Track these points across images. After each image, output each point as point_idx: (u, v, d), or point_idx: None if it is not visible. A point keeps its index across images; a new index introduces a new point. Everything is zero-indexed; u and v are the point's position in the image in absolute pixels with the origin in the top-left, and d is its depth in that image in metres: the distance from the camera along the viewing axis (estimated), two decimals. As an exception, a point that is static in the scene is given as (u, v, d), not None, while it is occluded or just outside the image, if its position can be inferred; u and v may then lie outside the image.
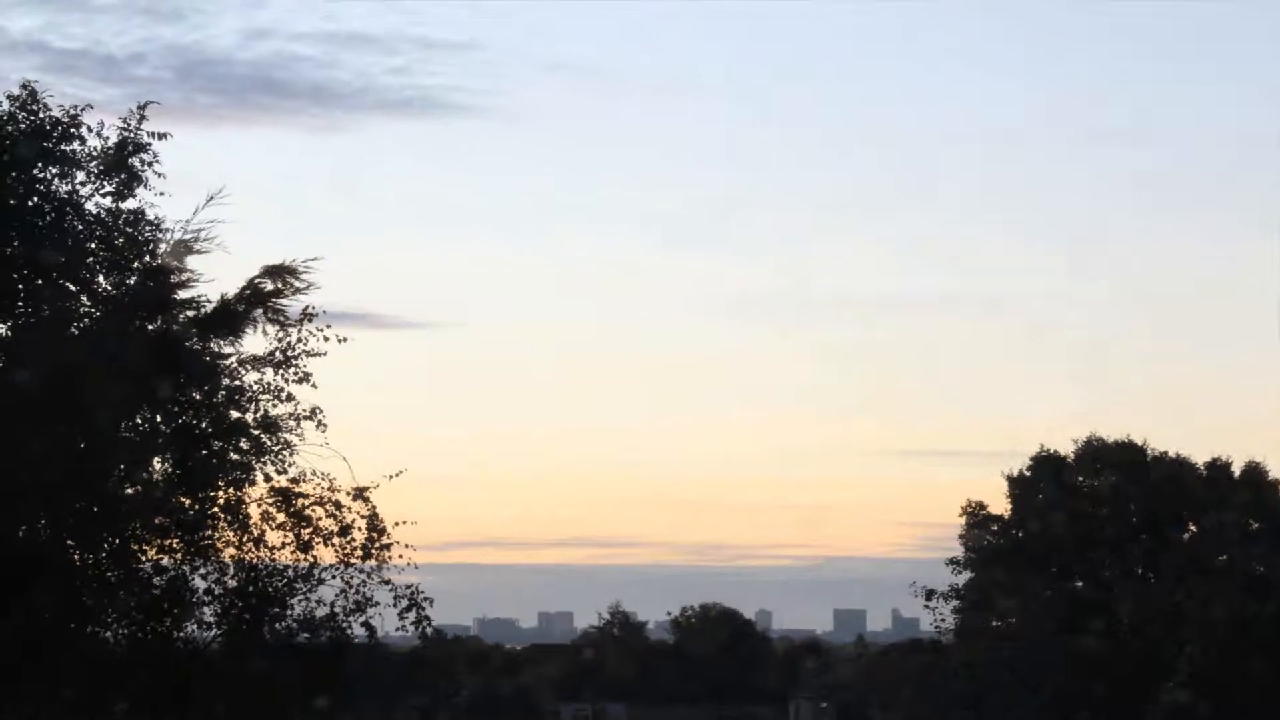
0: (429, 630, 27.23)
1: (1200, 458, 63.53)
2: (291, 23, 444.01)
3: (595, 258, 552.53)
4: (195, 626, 26.63)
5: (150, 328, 26.13)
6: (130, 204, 26.05)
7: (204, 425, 26.51)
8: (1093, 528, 61.35)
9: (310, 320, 26.78)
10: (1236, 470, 62.95)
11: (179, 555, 26.34)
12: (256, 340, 26.87)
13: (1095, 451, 63.30)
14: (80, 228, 25.79)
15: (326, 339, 26.90)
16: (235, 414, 26.64)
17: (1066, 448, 63.93)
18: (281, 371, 26.78)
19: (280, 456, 26.64)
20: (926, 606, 59.02)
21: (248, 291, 26.79)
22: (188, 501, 26.24)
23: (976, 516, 63.23)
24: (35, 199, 25.60)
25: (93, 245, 25.89)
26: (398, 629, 27.30)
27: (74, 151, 25.74)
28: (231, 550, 26.62)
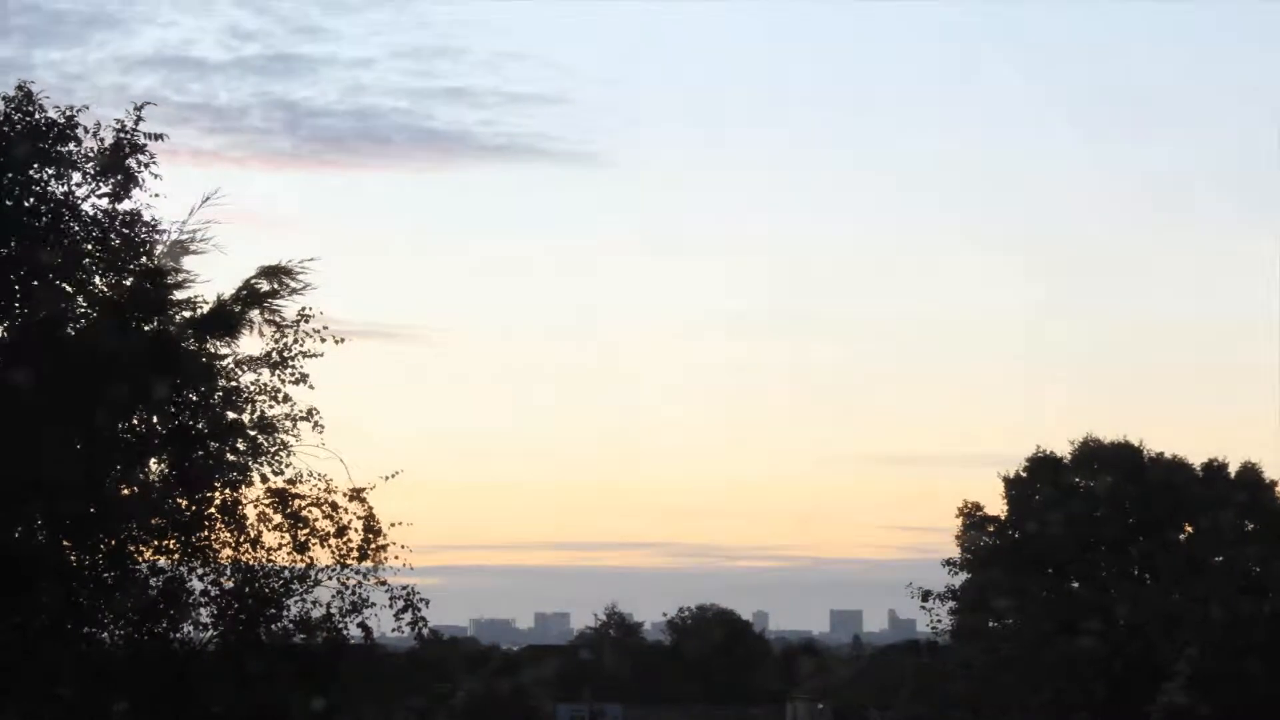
0: (425, 631, 27.22)
1: (1196, 459, 63.64)
2: (390, 80, 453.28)
3: (595, 260, 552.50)
4: (192, 627, 26.62)
5: (147, 328, 26.11)
6: (127, 205, 26.10)
7: (200, 426, 26.50)
8: (1089, 529, 61.38)
9: (306, 321, 26.80)
10: (1233, 471, 63.02)
11: (176, 556, 26.32)
12: (253, 341, 26.91)
13: (1092, 452, 63.34)
14: (77, 229, 25.79)
15: (323, 340, 26.92)
16: (232, 415, 26.64)
17: (1063, 449, 64.01)
18: (278, 372, 26.79)
19: (277, 457, 26.65)
20: (923, 608, 59.04)
21: (244, 292, 26.78)
22: (184, 502, 26.23)
23: (973, 517, 63.27)
24: (32, 200, 25.59)
25: (89, 246, 25.89)
26: (394, 630, 27.31)
27: (70, 152, 25.73)
28: (228, 551, 26.61)
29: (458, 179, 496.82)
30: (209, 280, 26.76)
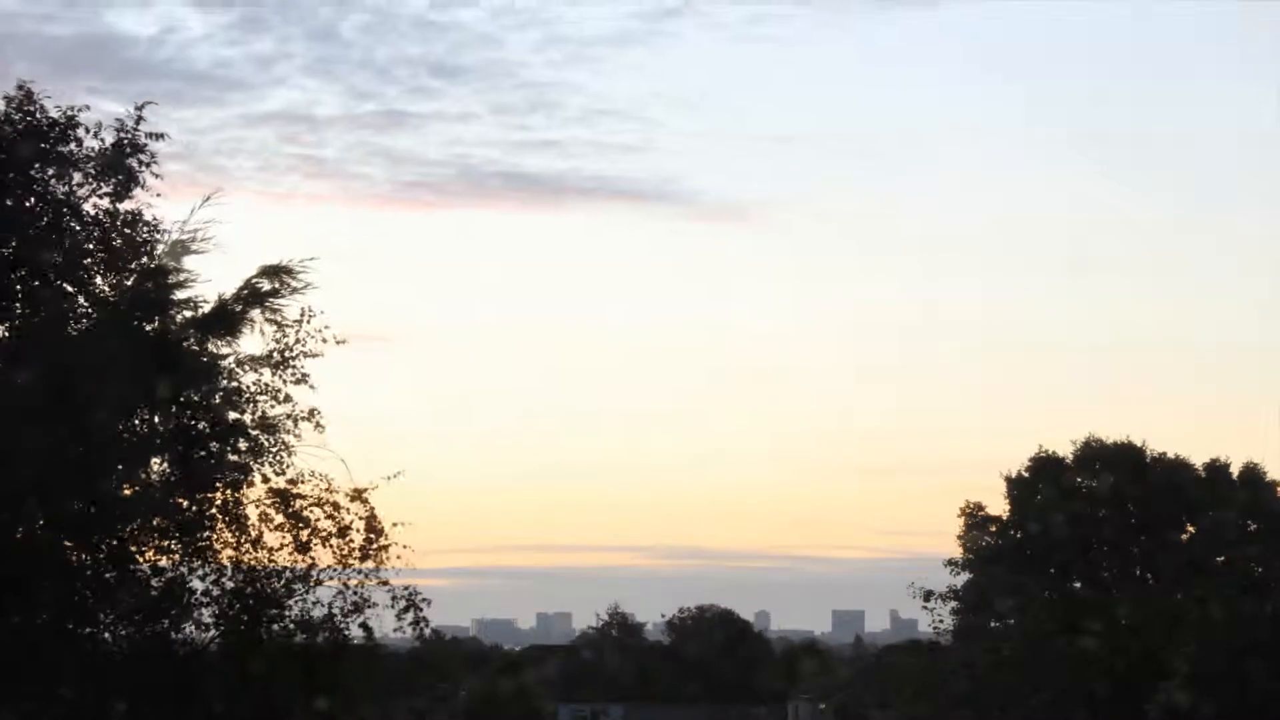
0: (427, 631, 27.21)
1: (1198, 459, 63.64)
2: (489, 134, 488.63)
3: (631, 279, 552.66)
4: (194, 627, 26.61)
5: (148, 328, 26.11)
6: (128, 205, 26.10)
7: (202, 426, 26.50)
8: (1091, 529, 61.38)
9: (309, 320, 26.80)
10: (1235, 471, 63.00)
11: (177, 556, 26.32)
12: (254, 341, 26.91)
13: (1094, 453, 63.33)
14: (78, 228, 25.78)
15: (325, 340, 26.93)
16: (233, 415, 26.64)
17: (1065, 449, 64.01)
18: (279, 372, 26.79)
19: (278, 458, 26.66)
20: (925, 607, 59.04)
21: (245, 292, 26.78)
22: (186, 502, 26.22)
23: (975, 518, 63.28)
24: (33, 200, 25.60)
25: (90, 246, 25.89)
26: (395, 630, 27.30)
27: (71, 152, 25.74)
28: (229, 551, 26.61)
29: (548, 219, 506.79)
30: (210, 280, 26.81)
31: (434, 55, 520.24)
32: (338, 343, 26.99)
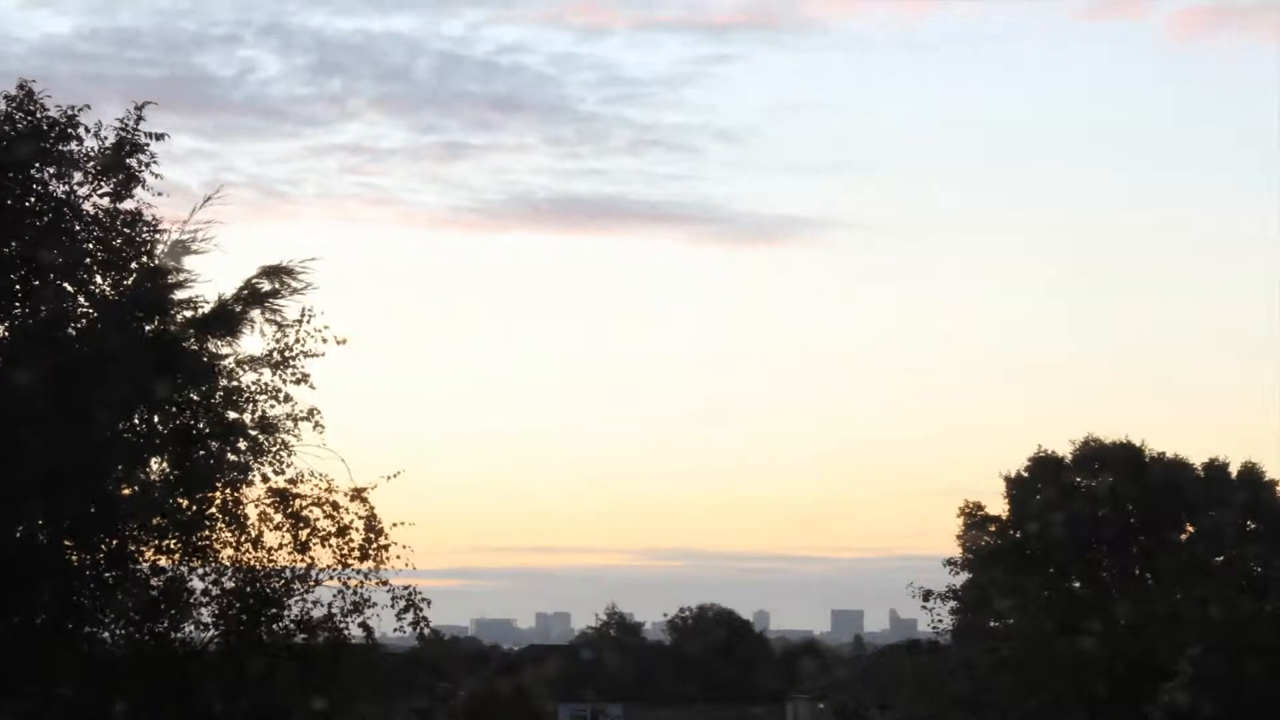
0: (427, 631, 27.20)
1: (1197, 458, 63.63)
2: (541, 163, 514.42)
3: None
4: (193, 627, 26.62)
5: (148, 328, 26.11)
6: (128, 204, 26.08)
7: (202, 426, 26.50)
8: (1091, 528, 61.35)
9: (308, 320, 26.80)
10: (1233, 471, 62.99)
11: (177, 556, 26.32)
12: (254, 341, 26.91)
13: (1093, 452, 63.30)
14: (78, 228, 25.76)
15: (325, 340, 26.93)
16: (233, 415, 26.63)
17: (1064, 448, 64.00)
18: (279, 372, 26.79)
19: (278, 457, 26.65)
20: (924, 607, 58.95)
21: (245, 292, 26.78)
22: (185, 502, 26.22)
23: (974, 517, 63.26)
24: (32, 199, 25.58)
25: (90, 246, 25.86)
26: (395, 630, 27.30)
27: (71, 152, 25.72)
28: (229, 551, 26.61)
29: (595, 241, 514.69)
30: (210, 280, 26.81)
31: (496, 93, 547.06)
32: (339, 343, 27.01)
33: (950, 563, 61.48)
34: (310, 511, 26.67)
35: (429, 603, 26.78)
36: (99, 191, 25.91)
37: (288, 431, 26.62)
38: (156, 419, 26.27)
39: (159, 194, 26.19)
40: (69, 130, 25.63)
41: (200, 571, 26.48)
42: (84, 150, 25.79)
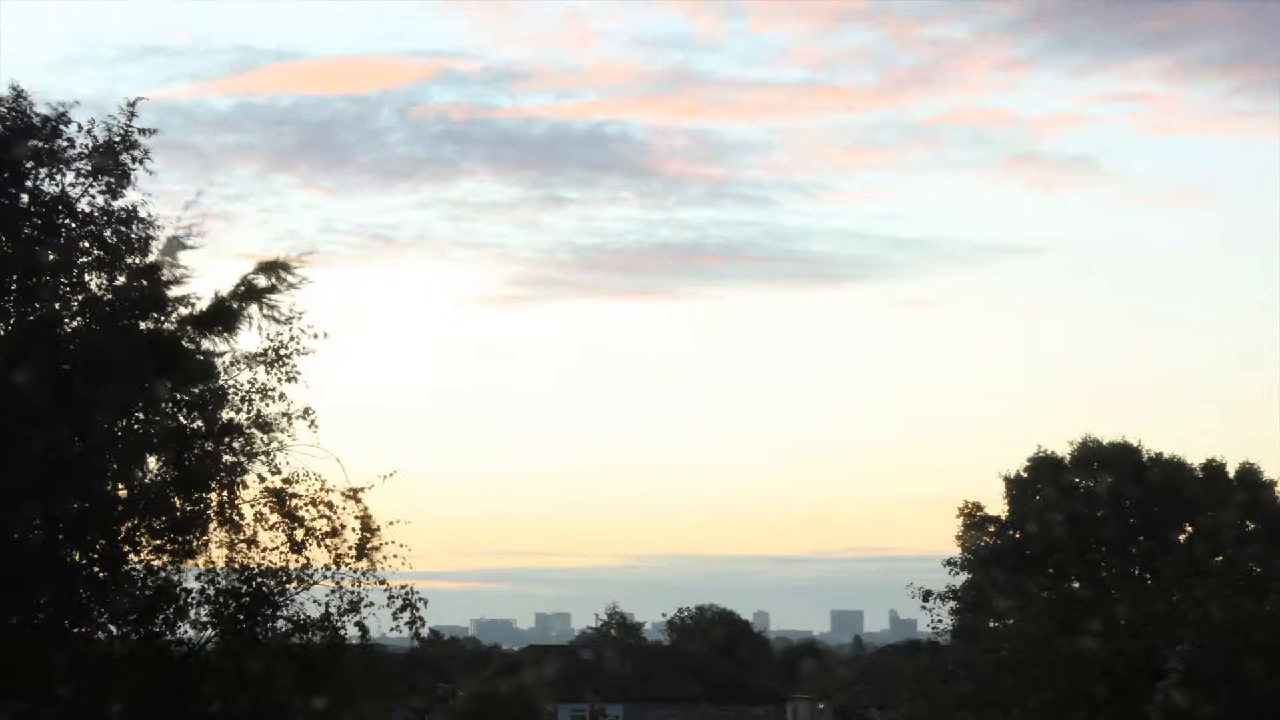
0: (424, 631, 27.12)
1: (1195, 459, 63.61)
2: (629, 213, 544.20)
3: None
4: (189, 627, 26.57)
5: (144, 326, 26.03)
6: (122, 202, 25.98)
7: (197, 425, 26.43)
8: (1090, 529, 61.27)
9: (301, 317, 26.74)
10: (1231, 471, 62.96)
11: (173, 556, 26.26)
12: (249, 339, 26.83)
13: (1092, 453, 63.25)
14: (72, 227, 25.67)
15: (316, 336, 26.86)
16: (228, 414, 26.57)
17: (1063, 449, 63.97)
18: (274, 371, 26.72)
19: (273, 456, 26.59)
20: (924, 608, 58.82)
21: (242, 288, 26.72)
22: (181, 502, 26.15)
23: (974, 518, 63.21)
24: (26, 198, 25.51)
25: (85, 244, 25.78)
26: (393, 630, 27.24)
27: (64, 150, 25.65)
28: (225, 551, 26.56)
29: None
30: (205, 276, 26.74)
31: (598, 158, 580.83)
32: (316, 336, 26.89)
33: (950, 563, 61.42)
34: (305, 511, 26.62)
35: (426, 602, 26.75)
36: (92, 189, 25.83)
37: (283, 430, 26.58)
38: (152, 418, 26.19)
39: (151, 193, 26.16)
40: (60, 128, 25.55)
41: (196, 571, 26.45)
42: (77, 148, 25.72)
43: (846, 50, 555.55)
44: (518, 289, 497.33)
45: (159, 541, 26.06)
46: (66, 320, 25.53)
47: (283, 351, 26.71)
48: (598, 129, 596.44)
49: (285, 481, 26.65)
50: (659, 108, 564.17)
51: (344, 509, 26.69)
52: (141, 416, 26.12)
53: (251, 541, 26.58)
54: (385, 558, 26.57)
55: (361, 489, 26.74)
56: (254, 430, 26.46)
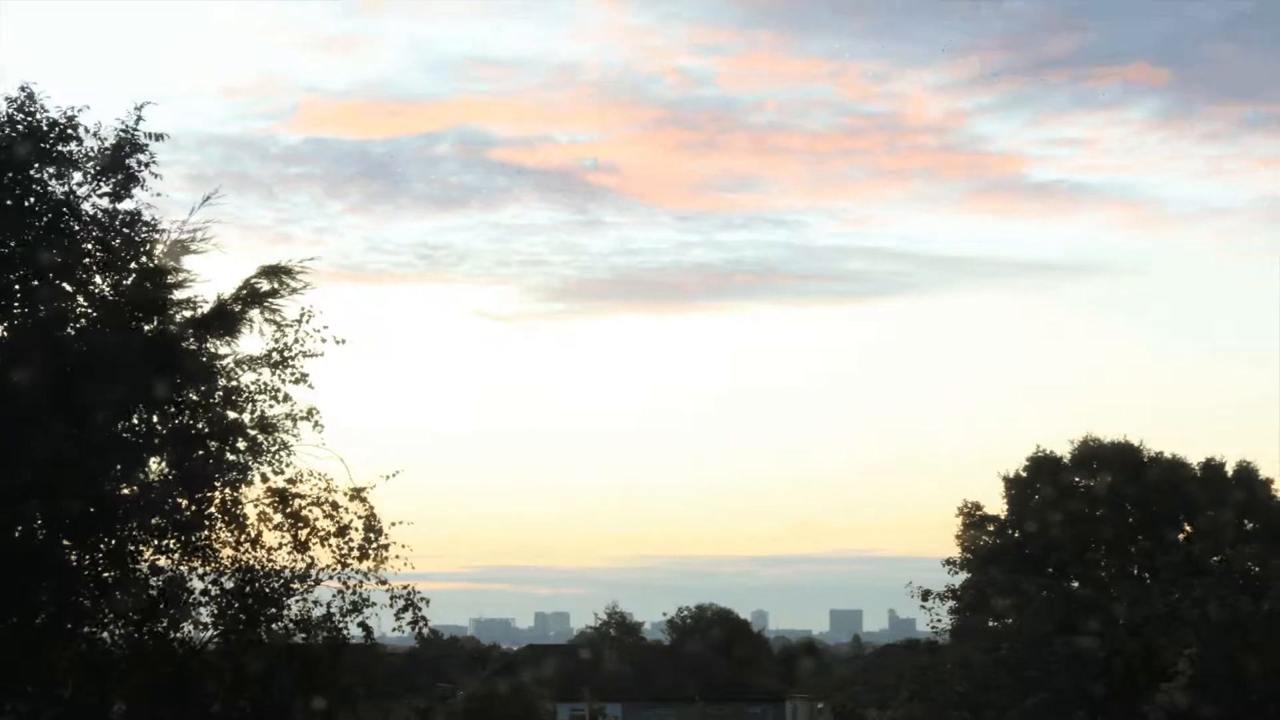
0: (425, 631, 27.18)
1: (1194, 458, 63.70)
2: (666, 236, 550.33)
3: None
4: (192, 627, 26.61)
5: (147, 328, 26.10)
6: (127, 205, 26.08)
7: (201, 426, 26.50)
8: (1089, 528, 61.38)
9: (308, 320, 26.82)
10: (1229, 470, 63.05)
11: (176, 556, 26.32)
12: (253, 341, 26.91)
13: (1091, 452, 63.38)
14: (77, 228, 25.75)
15: (324, 340, 26.96)
16: (232, 414, 26.64)
17: (1062, 448, 64.07)
18: (278, 372, 26.79)
19: (277, 457, 26.65)
20: (923, 607, 58.91)
21: (245, 292, 26.79)
22: (185, 502, 26.21)
23: (973, 517, 63.34)
24: (32, 200, 25.58)
25: (90, 246, 25.86)
26: (394, 630, 27.30)
27: (71, 152, 25.74)
28: (228, 551, 26.63)
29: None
30: (209, 280, 26.82)
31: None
32: (338, 343, 27.04)
33: (949, 563, 61.52)
34: (309, 511, 26.70)
35: (428, 602, 26.82)
36: (98, 192, 25.93)
37: (287, 431, 26.65)
38: (155, 419, 26.26)
39: (158, 194, 26.25)
40: (68, 131, 25.65)
41: (199, 571, 26.50)
42: (83, 151, 25.81)
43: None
44: (546, 305, 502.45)
45: (163, 541, 26.12)
46: (70, 321, 25.61)
47: (287, 354, 26.78)
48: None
49: (289, 482, 26.73)
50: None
51: (347, 509, 26.77)
52: (143, 417, 26.19)
53: (255, 541, 26.66)
54: (387, 558, 26.65)
55: (364, 489, 26.82)
56: (257, 431, 26.53)
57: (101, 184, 25.89)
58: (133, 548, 25.95)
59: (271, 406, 26.69)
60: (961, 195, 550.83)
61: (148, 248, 26.16)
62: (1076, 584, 60.84)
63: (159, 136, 26.10)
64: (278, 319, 26.78)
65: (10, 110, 25.59)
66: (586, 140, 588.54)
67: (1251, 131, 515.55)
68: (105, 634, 26.26)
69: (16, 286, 25.34)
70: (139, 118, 26.03)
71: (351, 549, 26.67)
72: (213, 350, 26.61)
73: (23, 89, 25.71)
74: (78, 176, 25.81)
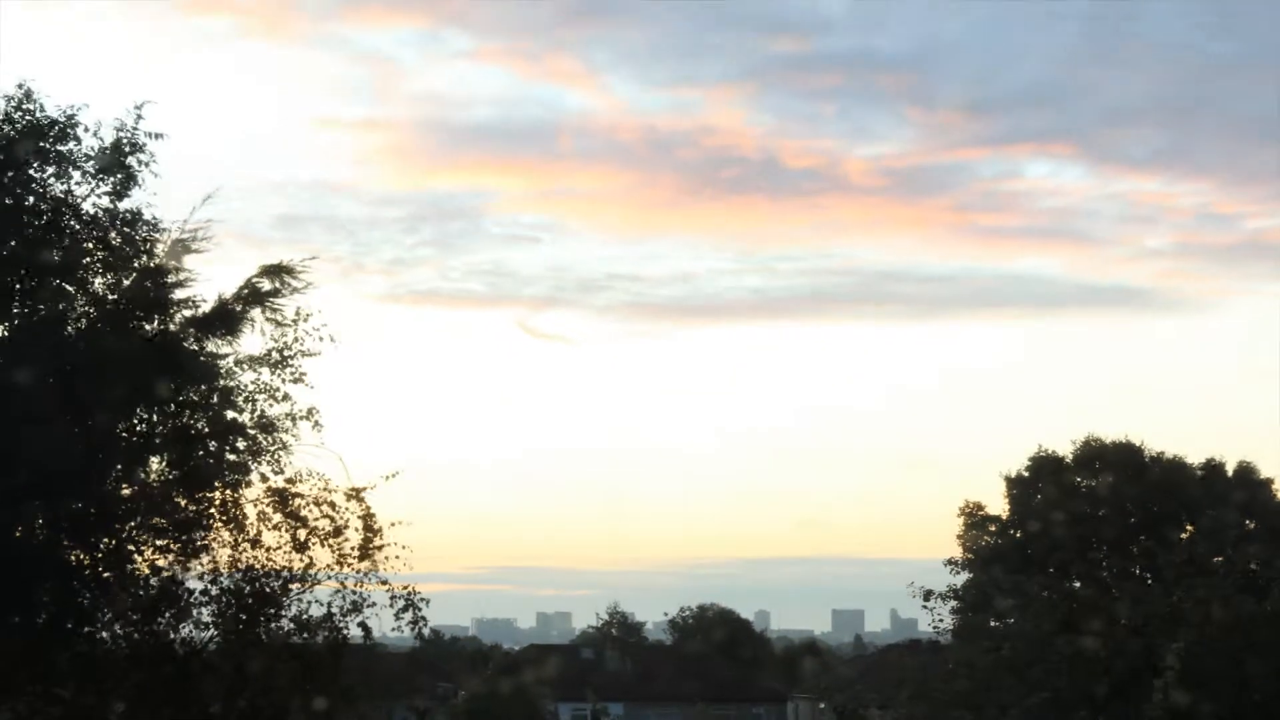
0: (425, 631, 27.16)
1: (1196, 458, 63.77)
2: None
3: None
4: (192, 627, 26.59)
5: (148, 328, 26.08)
6: (127, 204, 26.06)
7: (201, 426, 26.47)
8: (1091, 528, 61.41)
9: (306, 320, 26.79)
10: (1229, 471, 63.11)
11: (175, 556, 26.30)
12: (253, 340, 26.89)
13: (1093, 452, 63.45)
14: (77, 228, 25.70)
15: (322, 339, 26.92)
16: (232, 414, 26.61)
17: (1064, 448, 64.11)
18: (278, 371, 26.77)
19: (276, 457, 26.63)
20: (925, 607, 58.79)
21: (245, 291, 26.76)
22: (184, 502, 26.19)
23: (975, 517, 63.38)
24: (32, 199, 25.55)
25: (90, 245, 25.82)
26: (394, 630, 27.28)
27: (70, 151, 25.70)
28: (228, 551, 26.60)
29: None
30: (210, 279, 26.79)
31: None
32: (332, 340, 26.98)
33: (951, 562, 61.61)
34: (309, 511, 26.67)
35: (428, 602, 26.78)
36: (98, 191, 25.89)
37: (286, 431, 26.63)
38: (156, 419, 26.24)
39: (156, 194, 26.22)
40: (68, 129, 25.61)
41: (199, 571, 26.48)
42: (83, 149, 25.78)
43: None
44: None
45: (162, 541, 26.10)
46: (70, 321, 25.58)
47: (287, 353, 26.75)
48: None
49: (288, 481, 26.70)
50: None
51: (347, 509, 26.74)
52: (143, 417, 26.17)
53: (255, 541, 26.63)
54: (387, 558, 26.62)
55: (364, 489, 26.80)
56: (257, 431, 26.51)
57: (101, 183, 25.84)
58: (132, 548, 25.92)
59: (271, 406, 26.67)
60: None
61: (148, 247, 26.13)
62: (1078, 584, 60.81)
63: (158, 135, 26.09)
64: (279, 318, 26.76)
65: (8, 109, 25.57)
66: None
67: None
68: (105, 634, 26.22)
69: (16, 286, 25.31)
70: (139, 116, 26.02)
71: (351, 549, 26.64)
72: (213, 350, 26.58)
73: (20, 86, 25.70)
74: (77, 175, 25.78)
